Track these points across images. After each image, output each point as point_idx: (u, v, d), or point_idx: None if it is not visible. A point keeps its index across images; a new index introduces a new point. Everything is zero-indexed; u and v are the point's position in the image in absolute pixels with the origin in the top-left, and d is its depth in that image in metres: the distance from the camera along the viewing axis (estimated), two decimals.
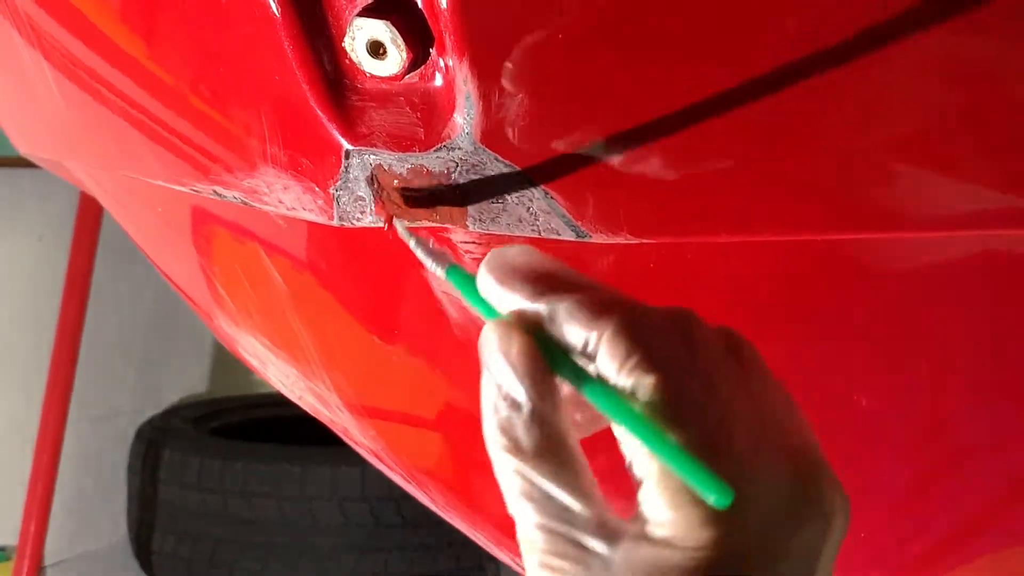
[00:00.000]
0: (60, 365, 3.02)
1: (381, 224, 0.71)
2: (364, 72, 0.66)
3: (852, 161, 0.69)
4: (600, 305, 0.56)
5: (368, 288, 0.86)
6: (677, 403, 0.54)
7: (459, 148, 0.66)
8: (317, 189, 0.72)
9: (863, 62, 0.68)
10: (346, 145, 0.69)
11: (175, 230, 1.04)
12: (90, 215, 3.07)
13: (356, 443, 1.07)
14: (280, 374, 1.06)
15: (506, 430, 0.56)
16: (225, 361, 3.95)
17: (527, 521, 0.56)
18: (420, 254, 0.64)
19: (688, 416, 0.53)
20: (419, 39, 0.63)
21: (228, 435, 3.44)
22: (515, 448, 0.56)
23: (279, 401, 4.11)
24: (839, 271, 0.81)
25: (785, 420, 0.58)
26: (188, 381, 3.87)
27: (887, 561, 1.00)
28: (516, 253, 0.60)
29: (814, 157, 0.69)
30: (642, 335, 0.55)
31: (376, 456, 1.06)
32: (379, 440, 1.01)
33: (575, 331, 0.56)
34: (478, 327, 0.77)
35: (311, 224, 0.83)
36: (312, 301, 0.92)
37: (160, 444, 3.26)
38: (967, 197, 0.72)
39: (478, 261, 0.73)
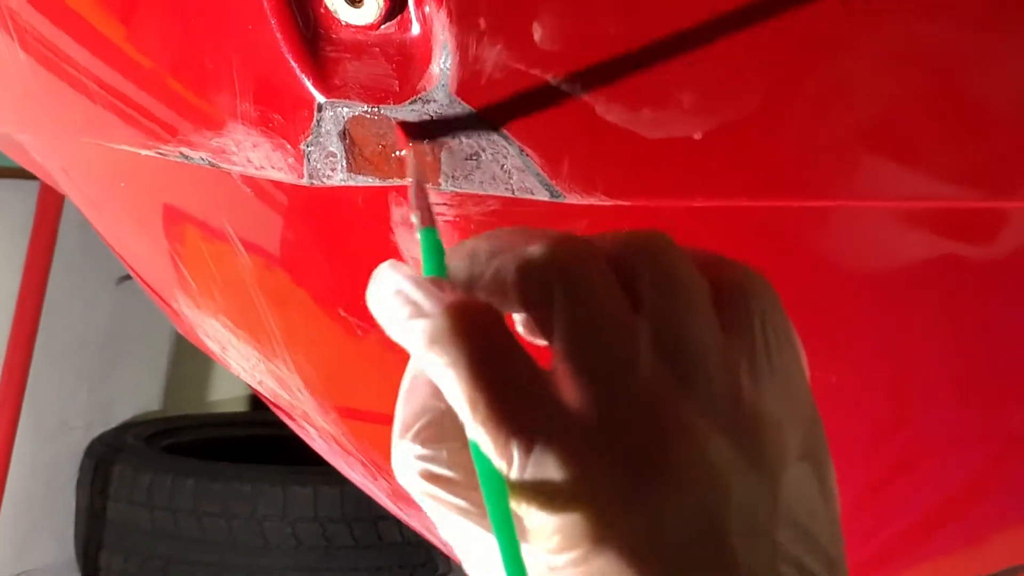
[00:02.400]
0: (11, 378, 2.98)
1: (351, 182, 0.70)
2: (340, 21, 0.65)
3: (822, 130, 0.69)
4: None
5: (332, 259, 0.84)
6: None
7: (434, 101, 0.65)
8: (288, 146, 0.71)
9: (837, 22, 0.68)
10: (319, 98, 0.67)
11: (137, 207, 1.02)
12: (45, 229, 3.04)
13: (316, 427, 1.05)
14: (241, 357, 1.04)
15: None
16: (179, 379, 3.91)
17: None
18: (414, 196, 0.59)
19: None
20: None
21: (181, 453, 3.40)
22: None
23: (233, 421, 4.08)
24: (812, 256, 0.81)
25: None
26: (141, 398, 3.83)
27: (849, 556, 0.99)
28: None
29: (790, 123, 0.69)
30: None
31: (336, 442, 1.04)
32: (340, 424, 0.99)
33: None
34: None
35: (278, 196, 0.82)
36: (276, 278, 0.91)
37: (110, 460, 3.22)
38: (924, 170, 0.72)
39: (450, 225, 0.72)
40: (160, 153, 0.81)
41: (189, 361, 3.88)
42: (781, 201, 0.71)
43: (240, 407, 4.10)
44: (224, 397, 4.04)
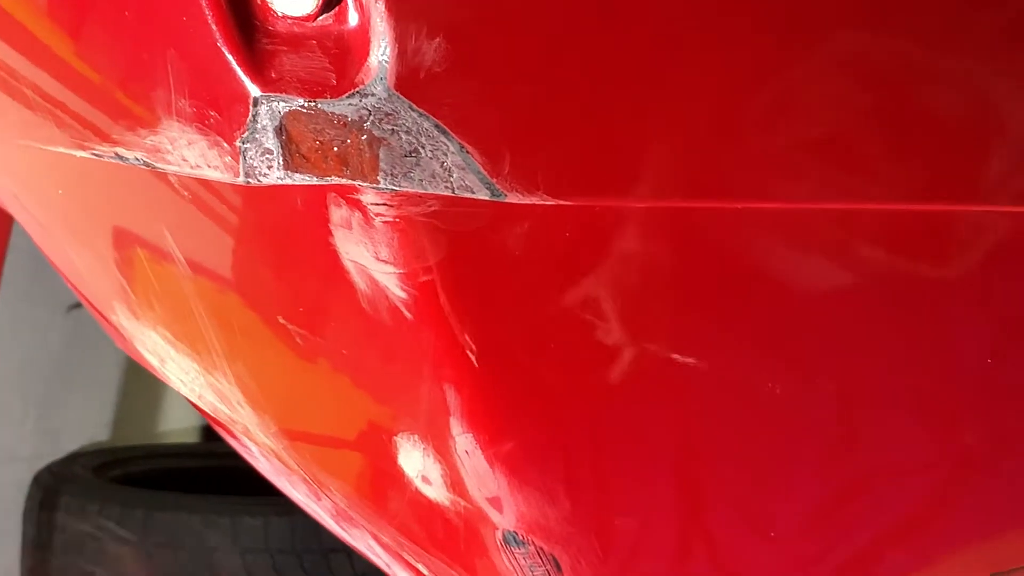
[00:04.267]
0: None
1: (288, 181, 0.68)
2: (275, 12, 0.64)
3: (765, 132, 0.69)
4: None
5: (271, 265, 0.83)
6: None
7: (372, 95, 0.64)
8: (223, 143, 0.69)
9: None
10: (255, 91, 0.66)
11: (76, 216, 1.00)
12: None
13: (257, 443, 1.03)
14: (180, 370, 1.02)
15: None
16: (129, 409, 3.87)
17: None
18: None
19: None
20: None
21: (130, 484, 3.36)
22: None
23: (183, 451, 4.04)
24: (760, 262, 0.80)
25: None
26: (90, 428, 3.79)
27: (804, 573, 0.98)
28: None
29: (736, 124, 0.68)
30: None
31: (277, 457, 1.02)
32: (280, 438, 0.97)
33: None
34: (388, 300, 0.75)
35: (215, 200, 0.80)
36: (215, 286, 0.89)
37: (58, 490, 3.18)
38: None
39: (390, 225, 0.71)
40: (95, 154, 0.79)
41: (139, 391, 3.84)
42: (724, 202, 0.70)
43: (191, 438, 4.06)
44: (174, 428, 3.99)
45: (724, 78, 0.65)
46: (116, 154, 0.77)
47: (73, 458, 3.52)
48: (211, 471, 3.49)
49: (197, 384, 1.01)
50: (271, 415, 0.96)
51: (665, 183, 0.67)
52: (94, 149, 0.78)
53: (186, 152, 0.72)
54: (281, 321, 0.83)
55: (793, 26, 0.70)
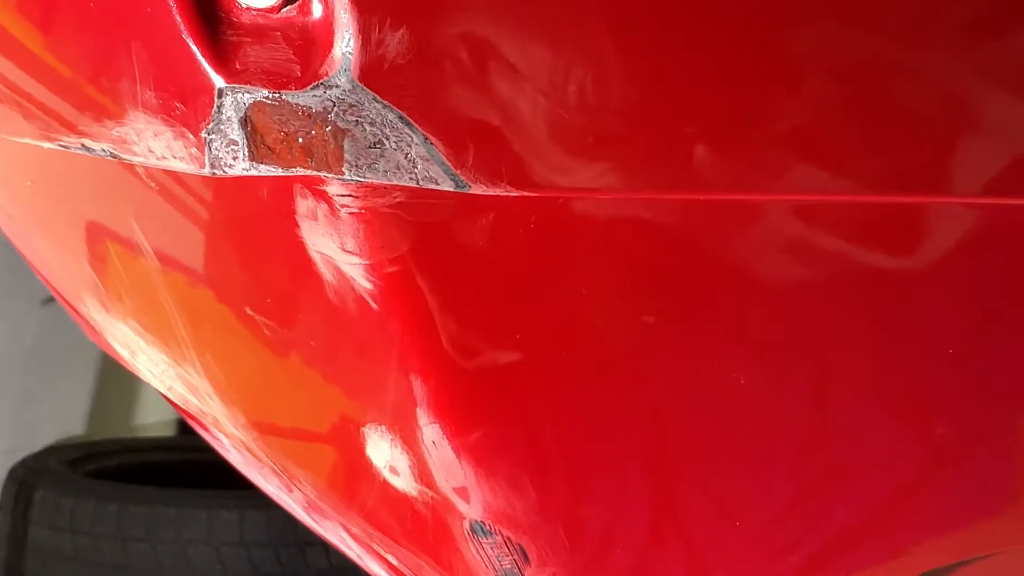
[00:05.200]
0: None
1: (254, 172, 0.69)
2: (239, 4, 0.64)
3: (734, 122, 0.69)
4: None
5: (238, 256, 0.83)
6: None
7: (336, 86, 0.64)
8: (189, 134, 0.69)
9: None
10: (219, 83, 0.66)
11: (46, 209, 1.00)
12: None
13: (227, 435, 1.03)
14: (150, 362, 1.02)
15: None
16: (105, 403, 3.85)
17: None
18: None
19: None
20: None
21: (105, 478, 3.35)
22: None
23: (159, 445, 4.03)
24: (728, 252, 0.80)
25: None
26: (65, 422, 3.77)
27: (765, 567, 0.98)
28: None
29: (703, 113, 0.68)
30: None
31: (247, 449, 1.02)
32: (250, 430, 0.97)
33: None
34: (354, 291, 0.75)
35: (182, 191, 0.81)
36: (183, 278, 0.89)
37: (33, 485, 3.16)
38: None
39: (355, 216, 0.71)
40: (62, 145, 0.79)
41: (115, 385, 3.83)
42: (693, 194, 0.70)
43: (166, 431, 4.05)
44: (150, 421, 3.98)
45: (689, 69, 0.65)
46: (83, 145, 0.77)
47: (48, 452, 3.51)
48: (187, 465, 3.48)
49: (167, 376, 1.01)
50: (240, 407, 0.96)
51: (629, 174, 0.68)
52: (61, 140, 0.78)
53: (152, 143, 0.72)
54: (249, 312, 0.83)
55: (758, 16, 0.70)
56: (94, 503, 3.07)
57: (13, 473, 3.33)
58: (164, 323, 0.93)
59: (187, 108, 0.68)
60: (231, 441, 1.05)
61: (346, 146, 0.66)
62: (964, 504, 1.02)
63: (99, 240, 0.95)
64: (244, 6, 0.64)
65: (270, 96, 0.65)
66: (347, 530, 1.03)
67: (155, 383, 1.07)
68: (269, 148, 0.67)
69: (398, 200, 0.69)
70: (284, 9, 0.63)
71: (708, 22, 0.66)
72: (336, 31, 0.62)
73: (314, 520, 1.13)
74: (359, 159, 0.66)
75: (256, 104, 0.66)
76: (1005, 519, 1.02)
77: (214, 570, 3.02)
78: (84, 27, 0.71)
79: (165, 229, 0.85)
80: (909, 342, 0.91)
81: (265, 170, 0.68)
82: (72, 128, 0.76)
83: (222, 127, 0.68)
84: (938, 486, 1.01)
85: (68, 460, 3.45)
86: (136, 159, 0.74)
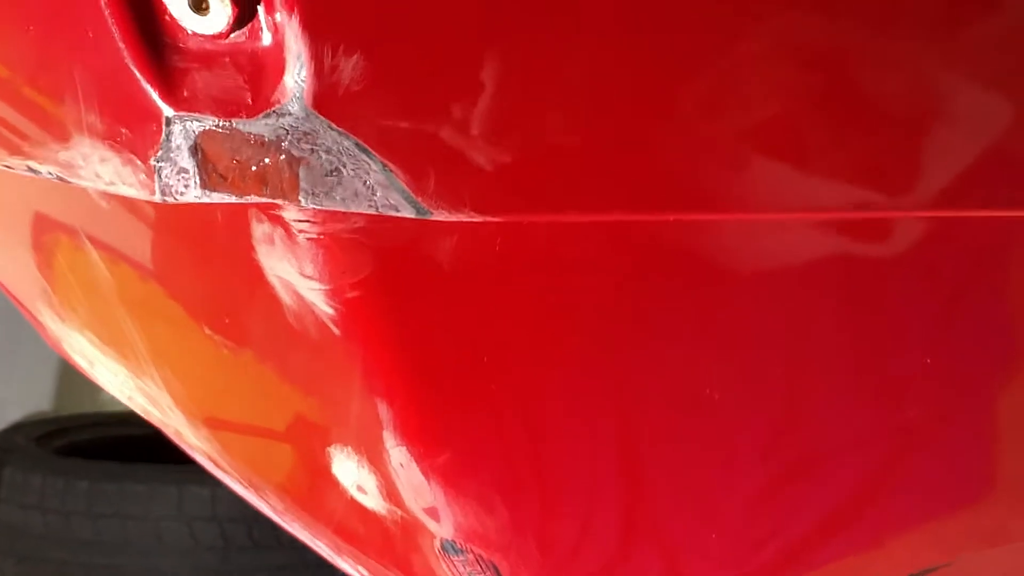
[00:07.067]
0: None
1: (206, 199, 0.66)
2: (185, 30, 0.61)
3: (702, 142, 0.67)
4: None
5: (194, 276, 0.80)
6: None
7: (289, 114, 0.61)
8: (137, 161, 0.66)
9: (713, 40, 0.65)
10: (167, 111, 0.63)
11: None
12: None
13: (189, 446, 1.01)
14: (108, 373, 1.00)
15: None
16: (71, 379, 3.82)
17: None
18: None
19: None
20: None
21: (74, 454, 3.32)
22: None
23: (127, 419, 4.00)
24: (693, 266, 0.79)
25: None
26: (31, 398, 3.74)
27: (740, 563, 0.97)
28: None
29: (665, 136, 0.66)
30: None
31: (211, 460, 1.00)
32: (212, 442, 0.95)
33: None
34: (315, 315, 0.73)
35: (133, 208, 0.78)
36: (139, 295, 0.87)
37: (0, 463, 3.13)
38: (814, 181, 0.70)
39: (314, 242, 0.69)
40: (7, 166, 0.76)
41: None
42: (661, 215, 0.68)
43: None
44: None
45: (649, 92, 0.63)
46: (28, 167, 0.74)
47: (15, 429, 3.47)
48: (156, 439, 3.45)
49: (127, 387, 0.99)
50: (202, 421, 0.93)
51: (595, 197, 0.65)
52: (5, 161, 0.75)
53: (99, 168, 0.69)
54: (207, 333, 0.81)
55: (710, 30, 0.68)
56: (63, 480, 3.04)
57: None
58: (120, 337, 0.91)
59: (134, 135, 0.65)
60: (195, 452, 1.03)
61: (302, 174, 0.63)
62: (936, 498, 1.01)
63: (51, 255, 0.92)
64: (191, 32, 0.61)
65: (220, 124, 0.63)
66: (317, 538, 1.01)
67: (116, 393, 1.04)
68: (221, 176, 0.65)
69: (358, 225, 0.67)
70: (233, 34, 0.60)
71: (655, 60, 0.64)
72: (287, 58, 0.59)
73: (285, 523, 1.11)
74: (316, 187, 0.64)
75: (206, 132, 0.63)
76: (979, 514, 1.01)
77: (185, 545, 3.00)
78: (25, 47, 0.68)
79: (118, 248, 0.82)
80: (878, 336, 0.90)
81: (218, 198, 0.65)
82: (16, 150, 0.73)
83: (171, 155, 0.65)
84: (911, 479, 1.00)
85: (35, 437, 3.42)
86: (84, 183, 0.71)
